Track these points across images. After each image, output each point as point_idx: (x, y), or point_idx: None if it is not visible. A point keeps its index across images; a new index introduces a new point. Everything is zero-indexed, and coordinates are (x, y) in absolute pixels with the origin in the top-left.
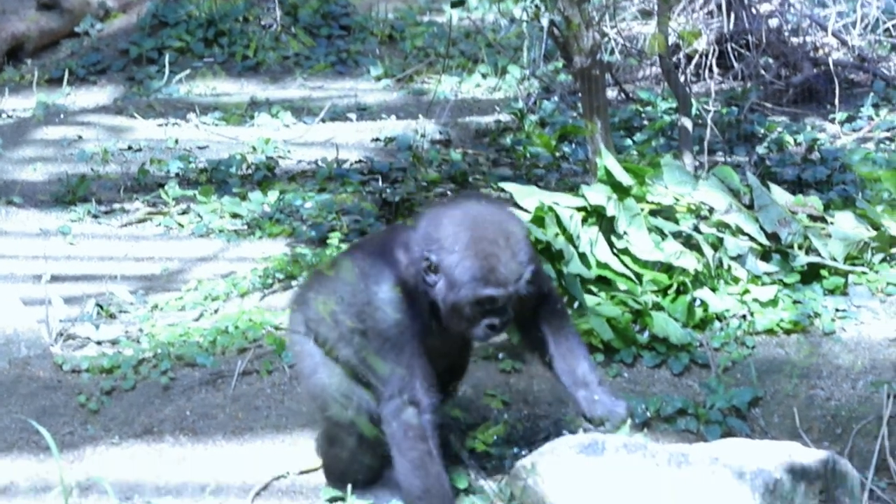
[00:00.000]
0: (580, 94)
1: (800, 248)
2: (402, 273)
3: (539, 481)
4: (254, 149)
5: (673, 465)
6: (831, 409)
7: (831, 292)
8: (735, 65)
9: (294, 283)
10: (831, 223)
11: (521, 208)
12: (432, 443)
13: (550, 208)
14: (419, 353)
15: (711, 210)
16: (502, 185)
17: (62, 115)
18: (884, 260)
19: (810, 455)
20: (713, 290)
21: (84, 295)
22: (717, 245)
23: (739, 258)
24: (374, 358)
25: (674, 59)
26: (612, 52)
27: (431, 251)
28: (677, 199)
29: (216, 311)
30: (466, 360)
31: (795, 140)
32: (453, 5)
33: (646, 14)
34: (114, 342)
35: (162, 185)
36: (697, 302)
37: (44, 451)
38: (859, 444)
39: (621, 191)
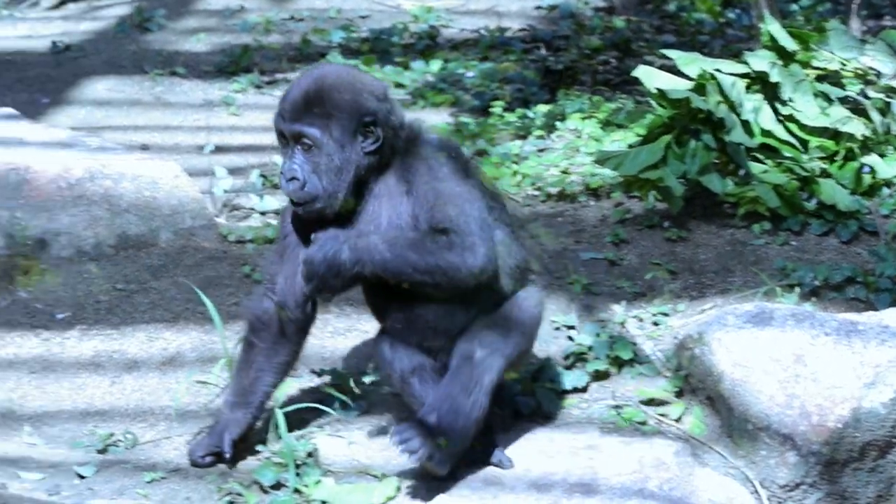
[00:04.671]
0: None
1: None
2: None
3: (707, 351)
4: (416, 18)
5: (842, 333)
6: None
7: None
8: None
9: None
10: None
11: (684, 75)
12: (255, 339)
13: (712, 76)
14: (293, 258)
15: (879, 75)
16: (665, 52)
17: None
18: None
19: None
20: (881, 156)
21: (248, 165)
22: (885, 110)
23: None
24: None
25: None
26: None
27: None
28: (843, 65)
29: None
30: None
31: None
32: None
33: None
34: (278, 212)
35: (324, 55)
36: (865, 168)
37: (209, 322)
38: None
39: (786, 56)
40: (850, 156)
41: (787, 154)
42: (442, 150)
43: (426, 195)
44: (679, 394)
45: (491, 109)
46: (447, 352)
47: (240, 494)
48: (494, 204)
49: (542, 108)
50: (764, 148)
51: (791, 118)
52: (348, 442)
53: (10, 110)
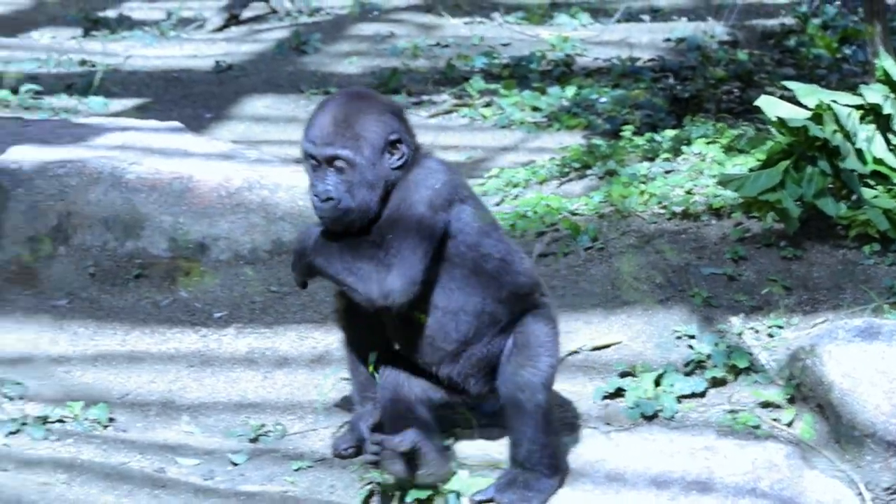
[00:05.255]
0: None
1: None
2: None
3: (818, 362)
4: (553, 46)
5: None
6: None
7: None
8: None
9: (589, 172)
10: None
11: (802, 106)
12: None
13: (829, 106)
14: None
15: None
16: (786, 83)
17: (376, 13)
18: None
19: None
20: None
21: None
22: None
23: None
24: None
25: None
26: None
27: None
28: None
29: (516, 197)
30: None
31: None
32: None
33: None
34: None
35: (467, 79)
36: None
37: None
38: None
39: None
40: None
41: None
42: (429, 177)
43: (391, 213)
44: (791, 401)
45: (621, 133)
46: (447, 363)
47: (379, 484)
48: (493, 231)
49: (669, 133)
50: (875, 175)
51: None
52: (482, 437)
53: (176, 123)
